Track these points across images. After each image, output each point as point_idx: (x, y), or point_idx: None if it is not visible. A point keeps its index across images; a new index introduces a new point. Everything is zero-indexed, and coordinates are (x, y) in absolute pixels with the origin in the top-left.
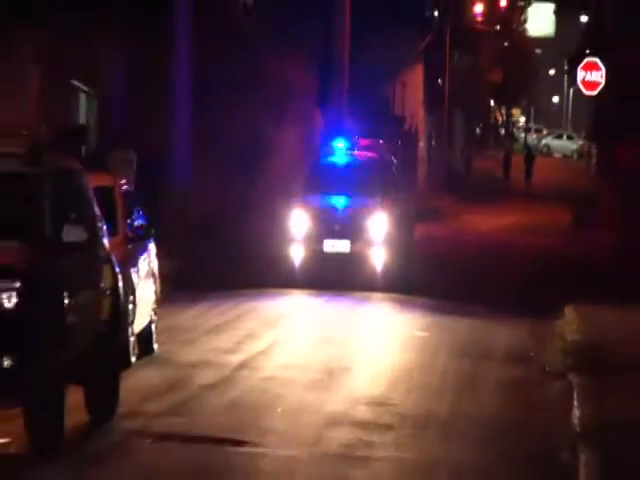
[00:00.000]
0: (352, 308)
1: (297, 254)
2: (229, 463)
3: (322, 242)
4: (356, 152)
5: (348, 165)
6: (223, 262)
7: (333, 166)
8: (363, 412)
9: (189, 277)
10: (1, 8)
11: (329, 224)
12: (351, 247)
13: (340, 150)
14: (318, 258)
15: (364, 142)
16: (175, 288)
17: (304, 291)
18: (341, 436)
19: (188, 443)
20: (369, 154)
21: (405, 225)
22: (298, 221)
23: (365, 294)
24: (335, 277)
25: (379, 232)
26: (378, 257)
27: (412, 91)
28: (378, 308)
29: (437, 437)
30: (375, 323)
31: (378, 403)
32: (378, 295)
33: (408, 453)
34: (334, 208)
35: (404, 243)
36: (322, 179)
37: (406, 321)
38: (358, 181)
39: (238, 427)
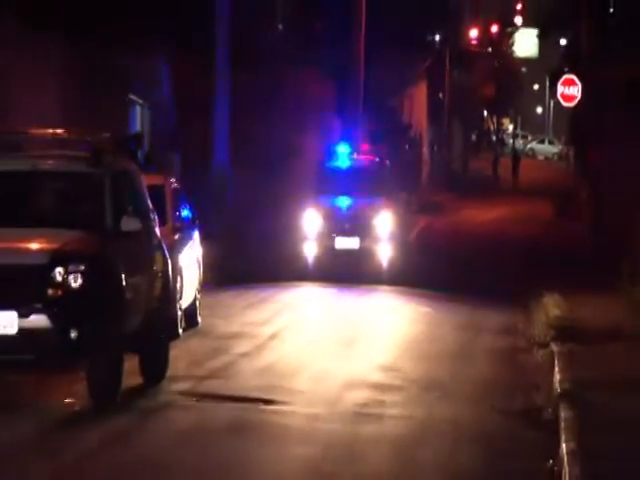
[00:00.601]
0: (363, 295)
1: (310, 250)
2: (261, 419)
3: (334, 239)
4: (358, 156)
5: (352, 168)
6: (249, 254)
7: (339, 169)
8: (376, 376)
9: (223, 265)
10: (81, 35)
11: (340, 223)
12: (360, 243)
13: (343, 154)
14: (330, 254)
15: (365, 147)
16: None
17: (319, 283)
18: (357, 396)
19: (227, 402)
20: (370, 158)
21: (405, 223)
22: (311, 220)
23: (373, 286)
24: (346, 271)
25: (385, 230)
26: (384, 252)
27: (417, 103)
28: (386, 296)
29: (439, 397)
30: (384, 307)
31: (389, 369)
32: (386, 287)
33: (415, 411)
34: (343, 208)
35: (405, 239)
36: (329, 181)
37: (411, 304)
38: (362, 183)
39: (269, 388)
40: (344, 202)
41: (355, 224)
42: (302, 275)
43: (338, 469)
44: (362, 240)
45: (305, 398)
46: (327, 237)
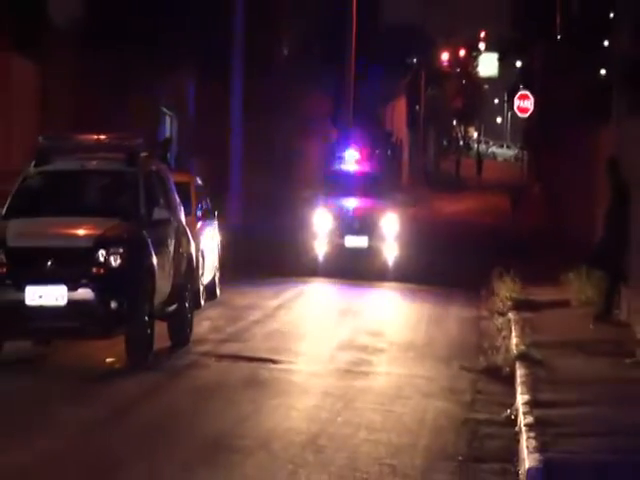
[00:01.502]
0: (367, 288)
1: (321, 248)
2: (270, 375)
3: (344, 238)
4: (359, 161)
5: (356, 172)
6: (261, 250)
7: (344, 173)
8: (364, 340)
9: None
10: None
11: (350, 223)
12: (369, 242)
13: (348, 159)
14: (340, 252)
15: (364, 152)
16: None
17: (329, 278)
18: (348, 356)
19: (241, 361)
20: (372, 163)
21: (407, 223)
22: (322, 220)
23: (380, 282)
24: (355, 268)
25: (391, 229)
26: (391, 251)
27: (398, 114)
28: (389, 289)
29: (416, 357)
30: (379, 294)
31: (375, 334)
32: (391, 284)
33: (396, 368)
34: (352, 209)
35: (409, 238)
36: (336, 184)
37: (401, 292)
38: (366, 186)
39: (276, 350)
40: (352, 203)
41: (364, 224)
42: (313, 271)
43: (332, 416)
44: (370, 239)
45: (305, 358)
46: (337, 236)
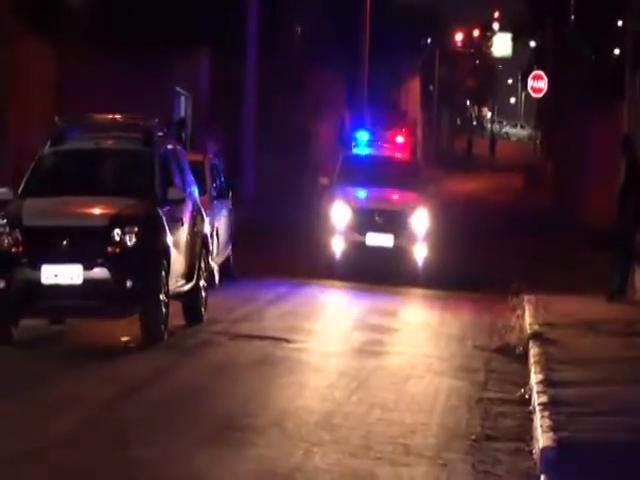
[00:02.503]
0: (385, 295)
1: (338, 246)
2: (283, 354)
3: (365, 235)
4: (384, 144)
5: (380, 157)
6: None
7: (365, 158)
8: (377, 320)
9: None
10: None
11: (372, 217)
12: (394, 241)
13: (364, 142)
14: (360, 251)
15: (394, 134)
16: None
17: (343, 282)
18: (361, 336)
19: (255, 340)
20: (398, 147)
21: (439, 220)
22: (339, 213)
23: (402, 288)
24: (376, 270)
25: (422, 227)
26: (419, 252)
27: (412, 95)
28: (411, 296)
29: (429, 336)
30: (401, 303)
31: (388, 314)
32: (417, 290)
33: (408, 348)
34: (376, 201)
35: (440, 238)
36: (356, 171)
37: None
38: (392, 174)
39: (290, 329)
40: (375, 194)
41: (389, 220)
42: (329, 272)
43: (345, 395)
44: (396, 237)
45: (319, 338)
46: (357, 232)
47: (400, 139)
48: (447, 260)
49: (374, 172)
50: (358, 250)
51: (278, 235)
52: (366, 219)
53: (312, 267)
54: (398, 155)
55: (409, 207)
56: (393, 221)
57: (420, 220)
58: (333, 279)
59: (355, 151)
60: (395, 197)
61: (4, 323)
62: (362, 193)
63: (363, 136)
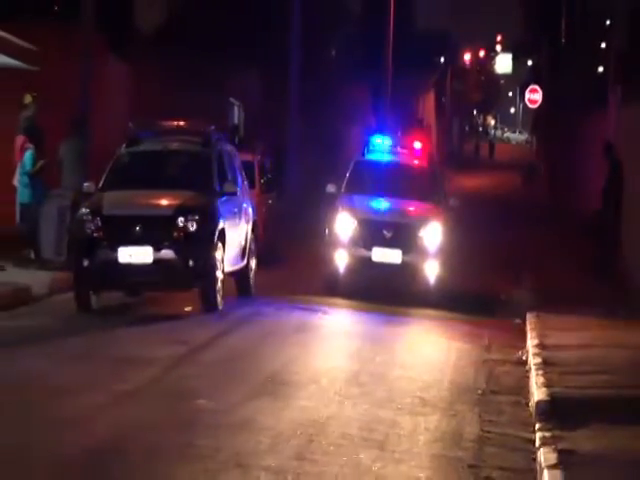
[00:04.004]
0: (388, 319)
1: (342, 261)
2: (320, 322)
3: (371, 250)
4: (401, 150)
5: (394, 164)
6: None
7: (378, 165)
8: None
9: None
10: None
11: (379, 231)
12: (403, 257)
13: (380, 147)
14: (365, 267)
15: (410, 138)
16: None
17: (345, 300)
18: (389, 309)
19: (296, 310)
20: (416, 153)
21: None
22: (344, 225)
23: (410, 310)
24: (383, 289)
25: (434, 243)
26: (431, 270)
27: (428, 105)
28: (419, 319)
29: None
30: (405, 332)
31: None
32: (427, 312)
33: (424, 322)
34: (384, 212)
35: (454, 255)
36: (367, 178)
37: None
38: (406, 183)
39: (326, 301)
40: (384, 205)
41: (398, 234)
42: (331, 290)
43: (372, 355)
44: (405, 253)
45: (352, 308)
46: (363, 247)
47: (418, 144)
48: (459, 272)
49: (386, 180)
50: (363, 266)
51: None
52: (372, 232)
53: (312, 282)
54: (415, 162)
55: (420, 220)
56: (402, 235)
57: (432, 234)
58: (335, 297)
59: (368, 157)
60: (406, 208)
61: (86, 295)
62: (370, 203)
63: (378, 140)
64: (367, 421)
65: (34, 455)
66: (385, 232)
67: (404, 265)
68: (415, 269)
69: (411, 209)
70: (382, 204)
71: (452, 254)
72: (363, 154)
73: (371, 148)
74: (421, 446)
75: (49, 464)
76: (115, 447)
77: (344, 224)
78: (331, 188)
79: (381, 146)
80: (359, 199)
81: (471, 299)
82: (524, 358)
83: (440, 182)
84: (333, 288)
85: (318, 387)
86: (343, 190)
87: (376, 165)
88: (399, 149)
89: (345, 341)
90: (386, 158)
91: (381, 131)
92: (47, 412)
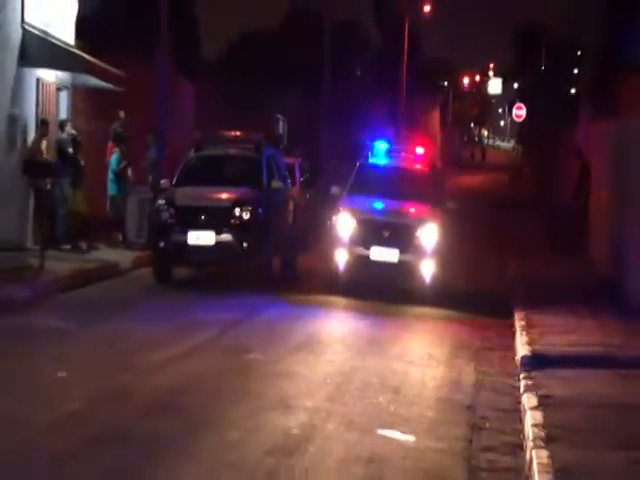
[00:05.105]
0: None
1: (342, 260)
2: (346, 300)
3: (369, 249)
4: (405, 155)
5: (396, 168)
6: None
7: (380, 168)
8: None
9: None
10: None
11: (377, 230)
12: (400, 256)
13: (382, 151)
14: (364, 266)
15: (412, 144)
16: None
17: (341, 298)
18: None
19: (319, 296)
20: (420, 157)
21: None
22: (344, 224)
23: (406, 307)
24: (381, 287)
25: (430, 243)
26: (428, 270)
27: (434, 120)
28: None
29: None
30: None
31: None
32: (424, 310)
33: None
34: (382, 213)
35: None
36: (369, 181)
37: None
38: (407, 185)
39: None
40: (384, 206)
41: (395, 233)
42: (331, 287)
43: (379, 332)
44: (402, 252)
45: (365, 294)
46: (361, 246)
47: (420, 150)
48: (454, 268)
49: (387, 183)
50: (362, 264)
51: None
52: (371, 232)
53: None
54: (417, 166)
55: (418, 220)
56: (399, 235)
57: (429, 235)
58: (335, 295)
59: (371, 161)
60: (405, 209)
61: (165, 270)
62: (370, 204)
63: (381, 145)
64: (384, 371)
65: (130, 391)
66: (383, 232)
67: (401, 264)
68: (412, 268)
69: (409, 210)
70: (382, 205)
71: (449, 245)
72: (367, 158)
73: (374, 152)
74: (428, 391)
75: (140, 398)
76: (185, 389)
77: (344, 224)
78: (335, 190)
79: (383, 150)
80: (360, 200)
81: (464, 286)
82: (511, 321)
83: (439, 185)
84: (333, 284)
85: (343, 345)
86: (346, 192)
87: (378, 168)
88: (401, 153)
89: (357, 321)
90: (388, 162)
91: (384, 137)
92: (134, 361)
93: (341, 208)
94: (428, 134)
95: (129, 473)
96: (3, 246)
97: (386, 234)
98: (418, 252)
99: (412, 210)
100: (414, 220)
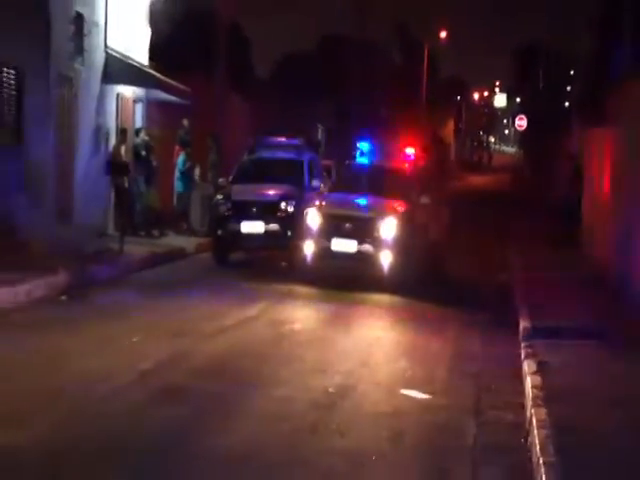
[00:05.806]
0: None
1: (309, 250)
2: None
3: (330, 240)
4: (385, 157)
5: (376, 168)
6: None
7: (362, 167)
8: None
9: None
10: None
11: (339, 223)
12: (357, 247)
13: (365, 154)
14: (326, 256)
15: (402, 145)
16: None
17: (301, 286)
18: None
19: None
20: (406, 157)
21: (420, 229)
22: (312, 218)
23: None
24: (341, 276)
25: (389, 235)
26: (385, 260)
27: (449, 130)
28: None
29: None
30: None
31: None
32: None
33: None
34: (347, 208)
35: (413, 248)
36: (349, 179)
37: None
38: (381, 183)
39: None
40: (353, 201)
41: (355, 226)
42: (299, 276)
43: (386, 313)
44: (360, 243)
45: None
46: (324, 238)
47: (411, 150)
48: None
49: (366, 180)
50: (325, 255)
51: None
52: (334, 225)
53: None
54: (395, 166)
55: (378, 214)
56: (359, 228)
57: (388, 227)
58: (300, 284)
59: (356, 160)
60: (371, 204)
61: (222, 254)
62: (341, 200)
63: (364, 146)
64: (404, 342)
65: (190, 355)
66: (345, 225)
67: (358, 254)
68: (369, 257)
69: (375, 205)
70: (347, 200)
71: (411, 245)
72: (353, 158)
73: (360, 153)
74: (441, 360)
75: (198, 361)
76: (236, 354)
77: (312, 218)
78: (323, 188)
79: (368, 151)
80: (336, 197)
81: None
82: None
83: (415, 182)
84: (302, 273)
85: (362, 322)
86: (329, 188)
87: (360, 167)
88: (384, 154)
89: (365, 307)
90: (371, 161)
91: (369, 138)
92: (195, 329)
93: (312, 204)
94: (435, 139)
95: (189, 425)
96: (91, 231)
97: (347, 227)
98: (376, 243)
99: (379, 205)
100: (375, 214)
